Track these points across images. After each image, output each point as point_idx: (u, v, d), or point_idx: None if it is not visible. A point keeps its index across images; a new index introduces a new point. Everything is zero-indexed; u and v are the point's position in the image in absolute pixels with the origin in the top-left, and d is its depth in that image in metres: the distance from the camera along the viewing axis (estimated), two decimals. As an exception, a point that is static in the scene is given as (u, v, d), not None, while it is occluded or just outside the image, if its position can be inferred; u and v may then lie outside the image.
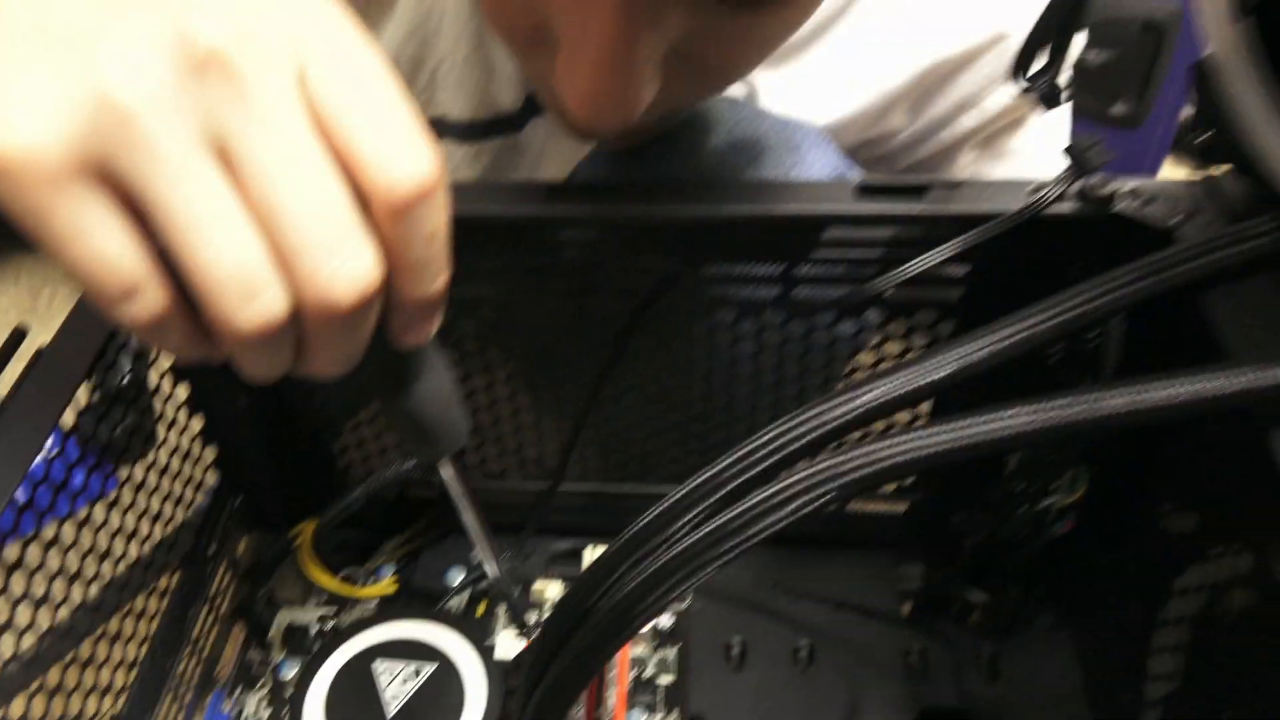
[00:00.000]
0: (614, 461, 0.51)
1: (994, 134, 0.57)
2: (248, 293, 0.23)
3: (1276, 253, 0.33)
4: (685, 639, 0.48)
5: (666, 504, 0.32)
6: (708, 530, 0.31)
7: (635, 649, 0.48)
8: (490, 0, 0.38)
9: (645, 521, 0.32)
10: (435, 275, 0.26)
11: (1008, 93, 0.55)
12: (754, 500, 0.30)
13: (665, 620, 0.48)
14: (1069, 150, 0.37)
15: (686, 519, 0.31)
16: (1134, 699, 0.42)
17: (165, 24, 0.22)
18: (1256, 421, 0.30)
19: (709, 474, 0.31)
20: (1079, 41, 0.41)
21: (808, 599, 0.49)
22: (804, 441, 0.31)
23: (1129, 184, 0.37)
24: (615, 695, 0.44)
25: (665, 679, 0.47)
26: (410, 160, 0.24)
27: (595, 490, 0.52)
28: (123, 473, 0.42)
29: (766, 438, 0.31)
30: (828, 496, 0.30)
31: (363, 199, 0.24)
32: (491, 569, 0.41)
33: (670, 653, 0.48)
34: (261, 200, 0.23)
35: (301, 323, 0.24)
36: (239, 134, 0.22)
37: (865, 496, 0.51)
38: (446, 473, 0.36)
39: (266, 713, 0.46)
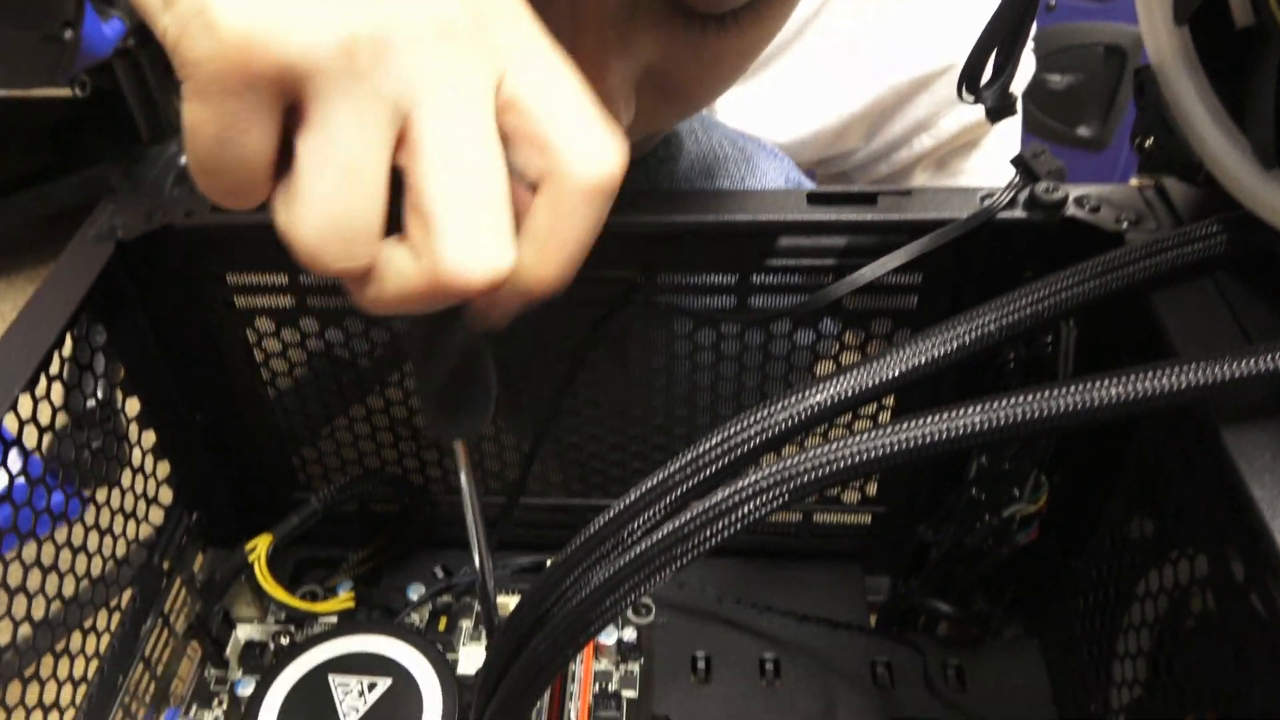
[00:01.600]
0: (575, 474, 0.51)
1: (948, 154, 0.57)
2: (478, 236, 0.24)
3: (1220, 255, 0.33)
4: (649, 652, 0.48)
5: (618, 509, 0.32)
6: (660, 535, 0.30)
7: (598, 663, 0.47)
8: None
9: (597, 528, 0.32)
10: (570, 268, 0.27)
11: (962, 116, 0.56)
12: (707, 505, 0.30)
13: (629, 634, 0.47)
14: (1017, 159, 0.37)
15: (638, 523, 0.31)
16: (1101, 706, 0.42)
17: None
18: (1207, 422, 0.30)
19: (659, 478, 0.31)
20: (1026, 56, 0.41)
21: (774, 611, 0.49)
22: (754, 444, 0.31)
23: (1078, 190, 0.37)
24: (577, 709, 0.43)
25: (629, 693, 0.46)
26: (604, 150, 0.25)
27: (557, 504, 0.52)
28: (91, 494, 0.41)
29: (715, 440, 0.31)
30: (781, 499, 0.30)
31: (539, 183, 0.25)
32: (479, 562, 0.40)
33: (634, 666, 0.47)
34: (427, 167, 0.24)
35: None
36: (428, 97, 0.24)
37: (830, 509, 0.51)
38: (460, 453, 0.35)
39: (222, 733, 0.45)
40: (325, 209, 0.23)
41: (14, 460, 0.36)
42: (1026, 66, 0.57)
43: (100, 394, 0.44)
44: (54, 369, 0.38)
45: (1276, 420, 0.29)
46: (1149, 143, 0.36)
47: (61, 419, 0.40)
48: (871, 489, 0.49)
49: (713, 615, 0.50)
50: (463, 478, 0.36)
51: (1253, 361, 0.28)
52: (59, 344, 0.37)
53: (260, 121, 0.23)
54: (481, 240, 0.24)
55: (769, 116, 0.53)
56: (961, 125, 0.56)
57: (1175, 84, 0.34)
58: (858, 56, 0.54)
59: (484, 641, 0.48)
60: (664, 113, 0.41)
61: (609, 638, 0.47)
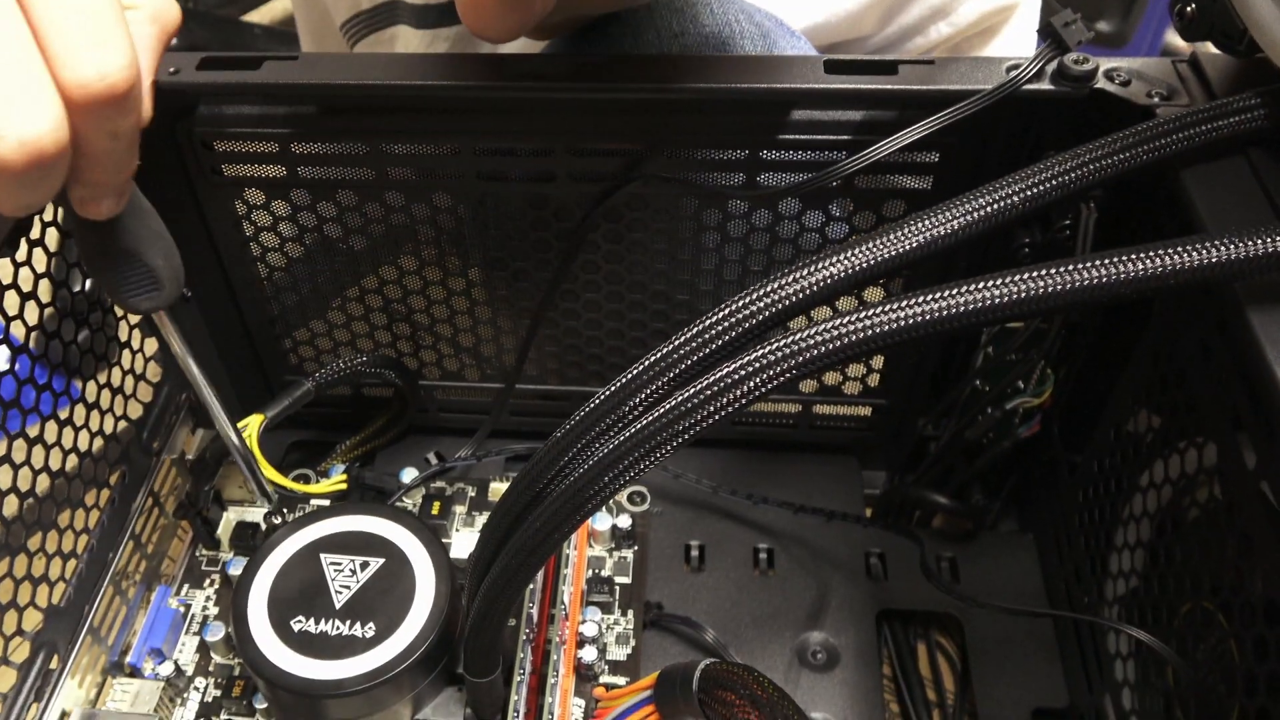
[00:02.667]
0: (572, 361, 0.50)
1: (964, 43, 0.55)
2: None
3: (1256, 130, 0.32)
4: (644, 540, 0.48)
5: (618, 385, 0.30)
6: (661, 411, 0.29)
7: (592, 549, 0.47)
8: None
9: (596, 403, 0.31)
10: (120, 169, 0.29)
11: (981, 3, 0.54)
12: (709, 380, 0.29)
13: (623, 521, 0.47)
14: (1045, 28, 0.35)
15: (639, 399, 0.30)
16: (1095, 598, 0.42)
17: None
18: (1232, 303, 0.29)
19: (662, 353, 0.30)
20: None
21: (769, 503, 0.48)
22: (760, 319, 0.29)
23: (1109, 63, 0.35)
24: (571, 592, 0.43)
25: (622, 579, 0.46)
26: (99, 59, 0.26)
27: (553, 390, 0.51)
28: (78, 388, 0.40)
29: (720, 315, 0.30)
30: (787, 375, 0.29)
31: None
32: (220, 425, 0.41)
33: (628, 553, 0.47)
34: None
35: None
36: None
37: (831, 400, 0.50)
38: (161, 322, 0.37)
39: (215, 610, 0.45)
40: None
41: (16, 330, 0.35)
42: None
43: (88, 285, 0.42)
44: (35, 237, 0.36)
45: (1302, 299, 0.28)
46: (1190, 8, 0.34)
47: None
48: (873, 380, 0.49)
49: (708, 505, 0.50)
50: (174, 346, 0.38)
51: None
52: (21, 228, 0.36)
53: None
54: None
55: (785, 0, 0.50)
56: (980, 12, 0.53)
57: (1221, -54, 0.32)
58: None
59: (476, 526, 0.48)
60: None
61: (603, 524, 0.47)
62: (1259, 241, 0.27)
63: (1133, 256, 0.27)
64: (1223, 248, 0.27)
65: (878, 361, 0.48)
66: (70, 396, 0.40)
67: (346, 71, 0.38)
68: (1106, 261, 0.27)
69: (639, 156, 0.40)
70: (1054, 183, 0.31)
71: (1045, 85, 0.35)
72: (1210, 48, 0.35)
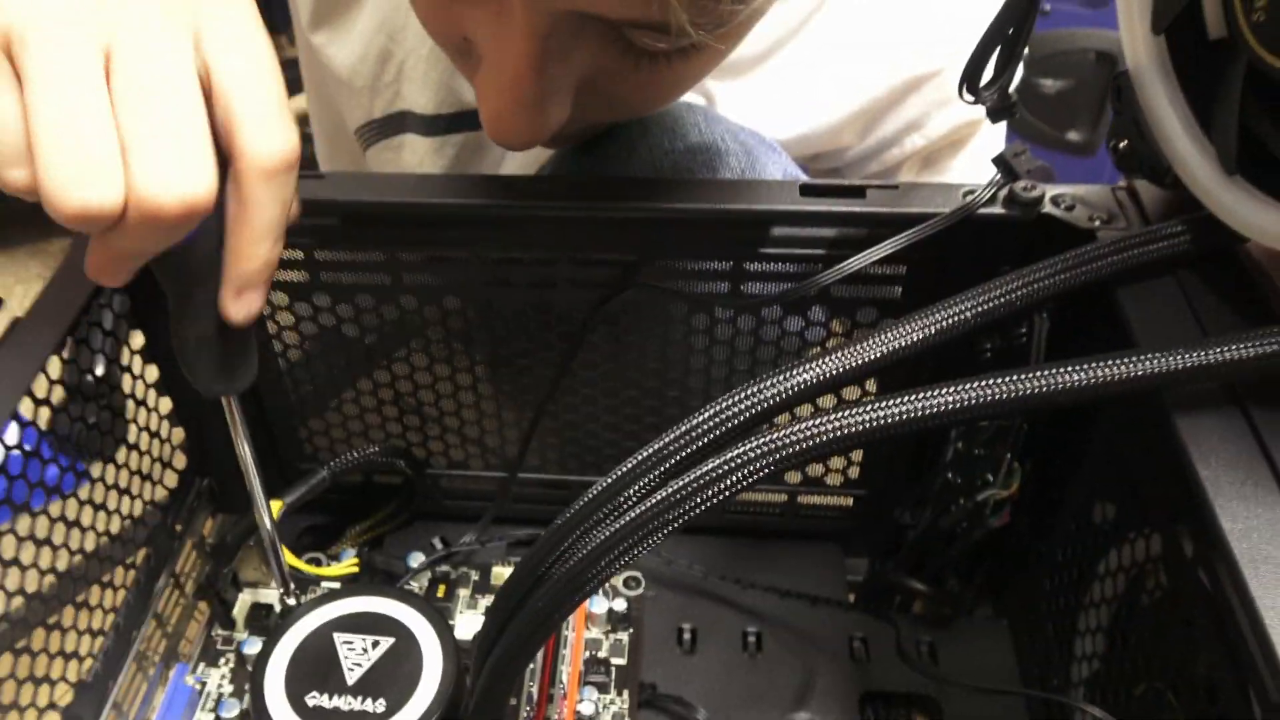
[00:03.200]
0: (571, 452, 0.53)
1: (936, 153, 0.60)
2: (83, 177, 0.27)
3: (1183, 253, 0.36)
4: (638, 623, 0.50)
5: (614, 477, 0.34)
6: (653, 501, 0.32)
7: (589, 631, 0.49)
8: (422, 10, 0.40)
9: (594, 494, 0.34)
10: (272, 243, 0.32)
11: (950, 117, 0.58)
12: (697, 473, 0.32)
13: (619, 604, 0.50)
14: (999, 158, 0.40)
15: (633, 490, 0.33)
16: (1062, 681, 0.44)
17: None
18: (1162, 409, 0.32)
19: (654, 448, 0.33)
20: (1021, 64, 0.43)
21: (757, 588, 0.51)
22: (743, 418, 0.33)
23: (1054, 189, 0.40)
24: (569, 672, 0.46)
25: (618, 660, 0.48)
26: (284, 134, 0.30)
27: (553, 479, 0.54)
28: (93, 470, 0.43)
29: (707, 414, 0.33)
30: (767, 469, 0.32)
31: (231, 156, 0.30)
32: (259, 510, 0.43)
33: (624, 636, 0.49)
34: (122, 100, 0.27)
35: (124, 222, 0.28)
36: (123, 46, 0.28)
37: (814, 490, 0.53)
38: (232, 408, 0.39)
39: (230, 687, 0.47)
40: (57, 162, 0.27)
41: (42, 418, 0.38)
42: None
43: (101, 370, 0.45)
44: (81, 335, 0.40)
45: (1224, 409, 0.31)
46: (1123, 145, 0.38)
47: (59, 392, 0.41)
48: (854, 472, 0.52)
49: (699, 590, 0.53)
50: (234, 430, 0.40)
51: (1204, 354, 0.30)
52: (86, 311, 0.39)
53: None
54: (171, 167, 0.28)
55: (768, 113, 0.55)
56: (950, 126, 0.58)
57: (1149, 90, 0.36)
58: (854, 58, 0.56)
59: (479, 609, 0.50)
60: (606, 115, 0.44)
61: (600, 607, 0.49)
62: (1183, 356, 0.31)
63: (1072, 368, 0.31)
64: (1152, 361, 0.31)
65: (857, 454, 0.52)
66: (89, 476, 0.42)
67: (368, 189, 0.42)
68: (1048, 373, 0.31)
69: (633, 266, 0.44)
70: (1004, 300, 0.34)
71: (998, 210, 0.39)
72: (1145, 177, 0.39)
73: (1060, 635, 0.44)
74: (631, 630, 0.50)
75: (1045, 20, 0.99)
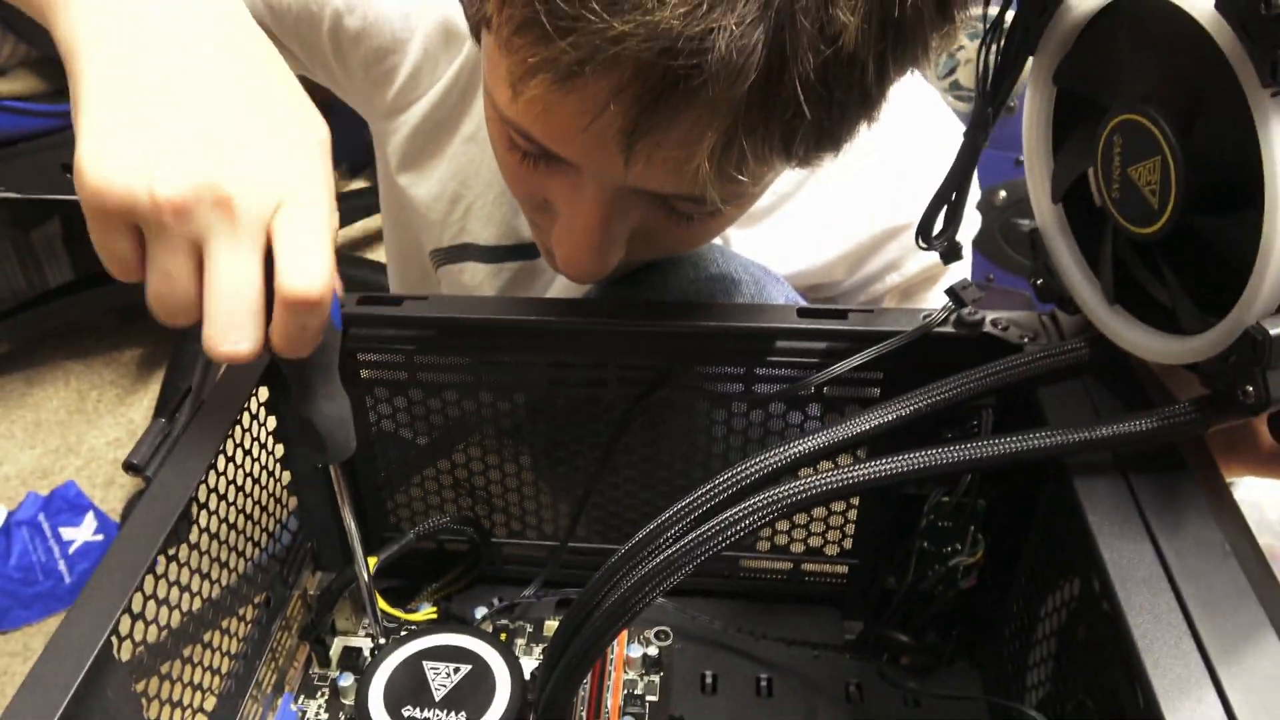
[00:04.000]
0: (612, 524, 0.63)
1: (913, 288, 0.72)
2: (226, 330, 0.39)
3: (1086, 362, 0.47)
4: (668, 668, 0.60)
5: (651, 527, 0.45)
6: (683, 543, 0.43)
7: (627, 673, 0.59)
8: (509, 176, 0.54)
9: (636, 540, 0.45)
10: (306, 344, 0.42)
11: (923, 260, 0.71)
12: (715, 521, 0.43)
13: (652, 651, 0.59)
14: (950, 290, 0.51)
15: (667, 536, 0.44)
16: (1020, 716, 0.53)
17: (214, 169, 0.38)
18: (1068, 477, 0.43)
19: (683, 503, 0.44)
20: (973, 213, 0.55)
21: (768, 639, 0.61)
22: (752, 480, 0.44)
23: (993, 314, 0.51)
24: (611, 704, 0.55)
25: (652, 697, 0.58)
26: (310, 278, 0.39)
27: (597, 548, 0.64)
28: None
29: (724, 477, 0.44)
30: (772, 516, 0.43)
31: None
32: (359, 563, 0.54)
33: (655, 678, 0.59)
34: (206, 281, 0.39)
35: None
36: (210, 240, 0.38)
37: (815, 560, 0.63)
38: (339, 477, 0.51)
39: (325, 715, 0.57)
40: (156, 294, 0.39)
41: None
42: (973, 221, 0.72)
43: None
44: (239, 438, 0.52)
45: (1110, 473, 0.42)
46: (1039, 281, 0.50)
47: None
48: (848, 544, 0.62)
49: (719, 643, 0.62)
50: (339, 495, 0.51)
51: (1093, 431, 0.42)
52: (248, 400, 0.51)
53: (118, 236, 0.38)
54: (225, 335, 0.39)
55: (774, 252, 0.68)
56: (922, 266, 0.71)
57: (1053, 242, 0.49)
58: (841, 212, 0.69)
59: (534, 655, 0.60)
60: (649, 255, 0.57)
61: (636, 652, 0.59)
62: (1080, 433, 0.42)
63: (999, 440, 0.42)
64: (1056, 436, 0.42)
65: (850, 529, 0.62)
66: (235, 529, 0.53)
67: (459, 308, 0.55)
68: (982, 444, 0.42)
69: (666, 371, 0.55)
70: (952, 393, 0.46)
71: (949, 329, 0.51)
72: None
73: (1016, 672, 0.54)
74: (662, 674, 0.59)
75: (1021, 168, 1.14)
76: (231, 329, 0.39)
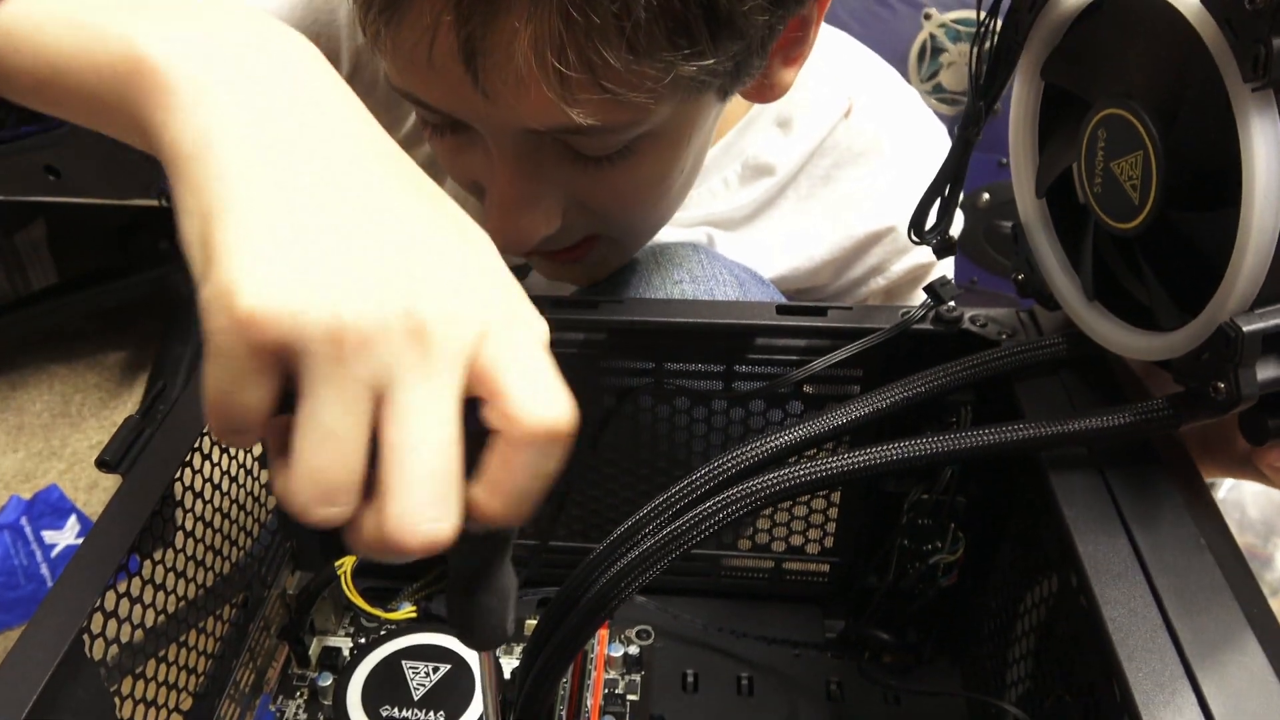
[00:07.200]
0: (593, 524, 0.63)
1: (896, 290, 0.72)
2: (424, 505, 0.28)
3: (1063, 358, 0.47)
4: (649, 667, 0.59)
5: (630, 522, 0.44)
6: (662, 535, 0.43)
7: (608, 673, 0.59)
8: (444, 166, 0.54)
9: (616, 535, 0.44)
10: (534, 500, 0.30)
11: (906, 262, 0.71)
12: (694, 514, 0.43)
13: (633, 650, 0.59)
14: (929, 287, 0.52)
15: (646, 530, 0.44)
16: (999, 712, 0.53)
17: (408, 288, 0.29)
18: (1043, 472, 0.43)
19: (662, 498, 0.44)
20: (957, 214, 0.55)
21: (749, 638, 0.61)
22: (730, 474, 0.44)
23: (971, 311, 0.51)
24: (592, 704, 0.55)
25: (632, 697, 0.57)
26: (557, 405, 0.30)
27: (578, 547, 0.64)
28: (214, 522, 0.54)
29: (702, 472, 0.44)
30: (750, 507, 0.43)
31: (494, 430, 0.29)
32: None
33: (636, 677, 0.59)
34: (389, 441, 0.28)
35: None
36: (399, 383, 0.28)
37: (796, 558, 0.63)
38: (485, 664, 0.43)
39: (304, 716, 0.56)
40: (311, 469, 0.27)
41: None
42: (957, 221, 0.72)
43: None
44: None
45: (1087, 470, 0.42)
46: (1020, 276, 0.50)
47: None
48: (829, 542, 0.62)
49: (701, 641, 0.62)
50: (483, 676, 0.42)
51: (1069, 425, 0.42)
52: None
53: (257, 384, 0.27)
54: (421, 512, 0.27)
55: (758, 257, 0.68)
56: (905, 269, 0.71)
57: (1035, 237, 0.49)
58: (824, 218, 0.69)
59: (514, 654, 0.60)
60: (595, 225, 0.56)
61: (617, 651, 0.59)
62: (1055, 426, 0.42)
63: (974, 432, 0.42)
64: (1032, 429, 0.42)
65: (832, 527, 0.62)
66: (212, 527, 0.53)
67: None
68: (959, 435, 0.42)
69: (647, 369, 0.55)
70: (930, 386, 0.46)
71: (928, 326, 0.51)
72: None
73: (996, 669, 0.54)
74: (643, 673, 0.59)
75: (1004, 170, 1.14)
76: (432, 502, 0.28)
